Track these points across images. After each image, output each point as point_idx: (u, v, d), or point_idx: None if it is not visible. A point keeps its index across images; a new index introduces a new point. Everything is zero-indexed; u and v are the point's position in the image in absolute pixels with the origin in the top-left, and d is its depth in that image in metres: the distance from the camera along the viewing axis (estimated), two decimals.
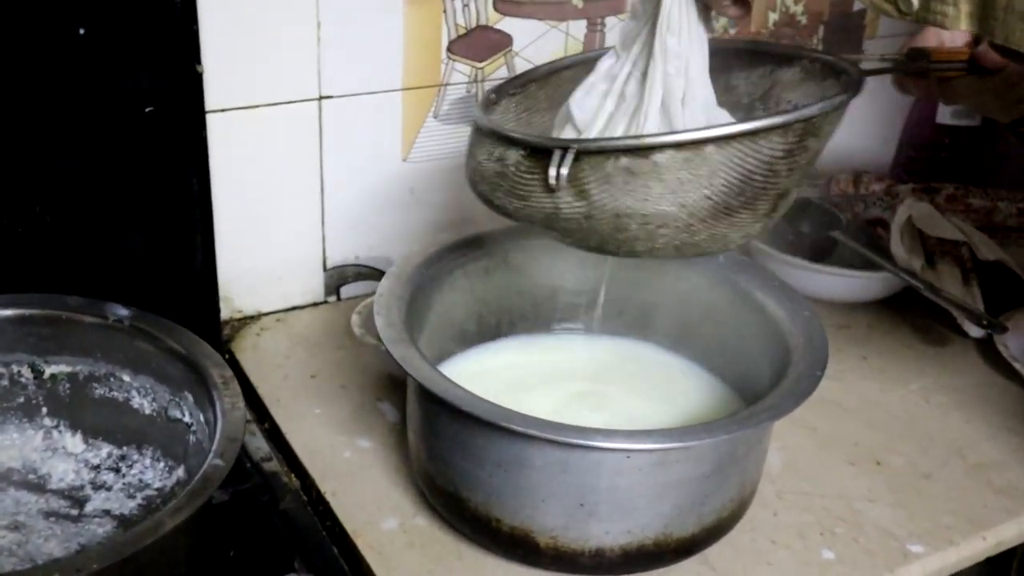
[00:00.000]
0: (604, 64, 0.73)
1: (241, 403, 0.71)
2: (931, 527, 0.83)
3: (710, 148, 0.65)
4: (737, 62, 0.81)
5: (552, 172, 0.66)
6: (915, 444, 0.92)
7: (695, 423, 0.81)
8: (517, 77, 0.83)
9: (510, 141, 0.70)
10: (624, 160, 0.65)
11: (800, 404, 0.71)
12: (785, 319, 0.81)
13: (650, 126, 0.70)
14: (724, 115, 0.74)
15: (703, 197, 0.66)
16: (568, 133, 0.74)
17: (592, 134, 0.72)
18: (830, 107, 0.68)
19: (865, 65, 0.77)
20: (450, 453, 0.73)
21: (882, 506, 0.85)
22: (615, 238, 0.69)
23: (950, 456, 0.91)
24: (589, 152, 0.66)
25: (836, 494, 0.86)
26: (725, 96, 0.79)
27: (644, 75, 0.70)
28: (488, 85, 1.05)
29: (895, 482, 0.88)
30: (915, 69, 0.82)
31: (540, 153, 0.68)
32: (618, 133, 0.71)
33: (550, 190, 0.67)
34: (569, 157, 0.66)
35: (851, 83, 0.72)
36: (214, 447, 0.66)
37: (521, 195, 0.70)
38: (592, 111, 0.73)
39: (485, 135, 0.72)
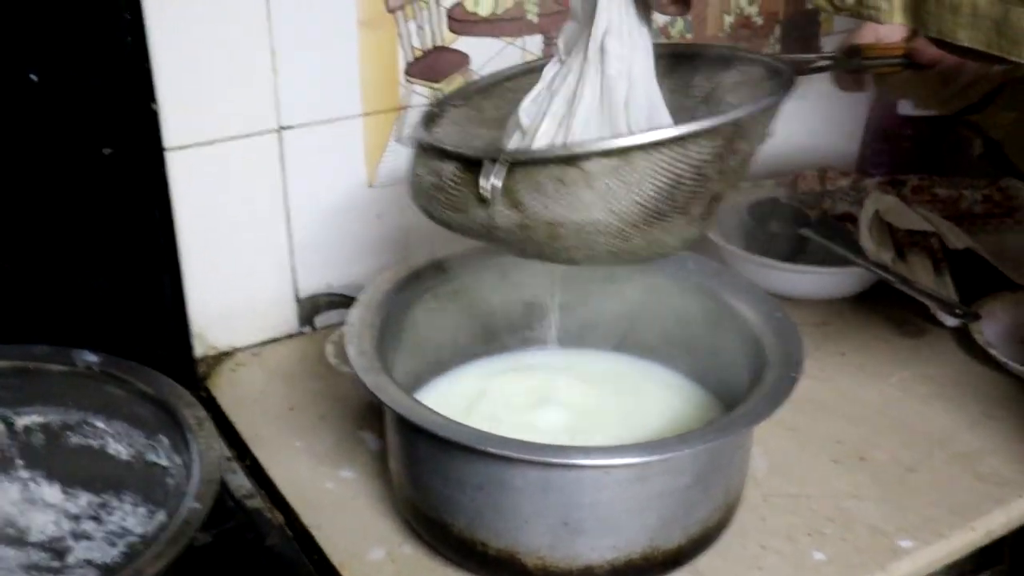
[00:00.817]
0: (549, 71, 0.73)
1: (216, 443, 0.70)
2: (919, 521, 0.83)
3: (638, 155, 0.65)
4: (680, 65, 0.81)
5: (482, 183, 0.66)
6: (898, 438, 0.92)
7: (673, 435, 0.81)
8: (460, 89, 0.83)
9: (443, 154, 0.70)
10: (554, 169, 0.66)
11: (776, 408, 0.71)
12: (758, 322, 0.81)
13: (583, 129, 0.70)
14: (666, 116, 0.74)
15: (634, 203, 0.66)
16: (516, 140, 0.74)
17: (538, 140, 0.72)
18: (757, 109, 0.69)
19: (802, 66, 0.77)
20: (431, 479, 0.73)
21: (869, 503, 0.85)
22: (551, 247, 0.69)
23: (933, 447, 0.91)
24: (519, 163, 0.66)
25: (822, 493, 0.86)
26: (670, 99, 0.79)
27: (580, 78, 0.70)
28: None
29: (880, 477, 0.87)
30: (851, 67, 0.83)
31: (472, 165, 0.68)
32: (552, 135, 0.71)
33: (483, 202, 0.67)
34: (500, 168, 0.66)
35: (783, 83, 0.72)
36: (191, 490, 0.66)
37: (458, 207, 0.70)
38: (539, 117, 0.73)
39: (422, 149, 0.73)
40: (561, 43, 0.73)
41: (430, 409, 0.70)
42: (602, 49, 0.69)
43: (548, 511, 0.69)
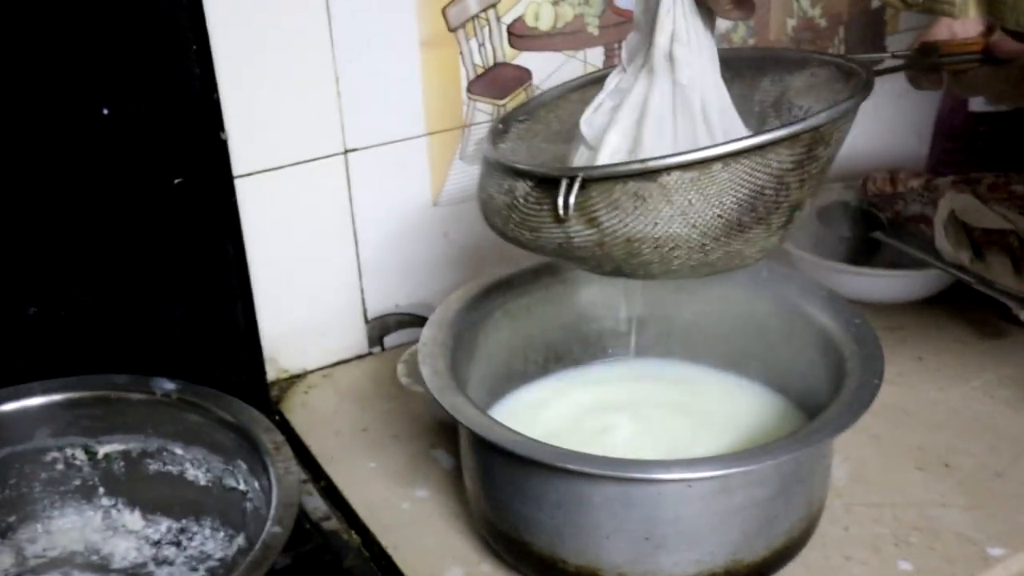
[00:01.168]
0: (612, 81, 0.73)
1: (295, 467, 0.70)
2: (1009, 528, 0.80)
3: (717, 166, 0.64)
4: (746, 71, 0.80)
5: (560, 202, 0.65)
6: (983, 443, 0.90)
7: (755, 446, 0.80)
8: (524, 104, 0.83)
9: (516, 173, 0.69)
10: (631, 184, 0.65)
11: (860, 416, 0.70)
12: (836, 328, 0.80)
13: (655, 141, 0.69)
14: (740, 124, 0.73)
15: (714, 216, 0.65)
16: (582, 153, 0.74)
17: (605, 152, 0.71)
18: (837, 114, 0.67)
19: (878, 66, 0.75)
20: (508, 497, 0.72)
21: (956, 510, 0.83)
22: (629, 263, 0.68)
23: (1021, 452, 0.88)
24: (595, 179, 0.65)
25: (907, 502, 0.84)
26: (736, 105, 0.79)
27: (647, 89, 0.69)
28: None
29: (967, 484, 0.85)
30: (927, 65, 0.81)
31: (547, 183, 0.67)
32: (619, 148, 0.71)
33: (559, 220, 0.66)
34: (575, 186, 0.65)
35: (859, 86, 0.70)
36: (271, 514, 0.66)
37: (532, 226, 0.69)
38: (601, 128, 0.73)
39: (493, 167, 0.72)
40: (624, 53, 0.72)
41: (506, 427, 0.70)
42: (670, 57, 0.68)
43: (629, 527, 0.68)
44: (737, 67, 0.78)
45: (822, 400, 0.77)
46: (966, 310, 1.07)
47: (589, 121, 0.74)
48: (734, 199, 0.65)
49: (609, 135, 0.71)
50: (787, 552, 0.74)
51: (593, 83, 0.81)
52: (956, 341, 1.04)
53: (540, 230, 0.69)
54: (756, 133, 0.66)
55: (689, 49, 0.68)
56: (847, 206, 1.16)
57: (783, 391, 0.87)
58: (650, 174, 0.64)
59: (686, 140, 0.69)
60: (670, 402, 0.88)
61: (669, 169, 0.64)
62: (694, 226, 0.65)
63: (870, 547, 0.79)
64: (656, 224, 0.65)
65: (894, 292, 1.09)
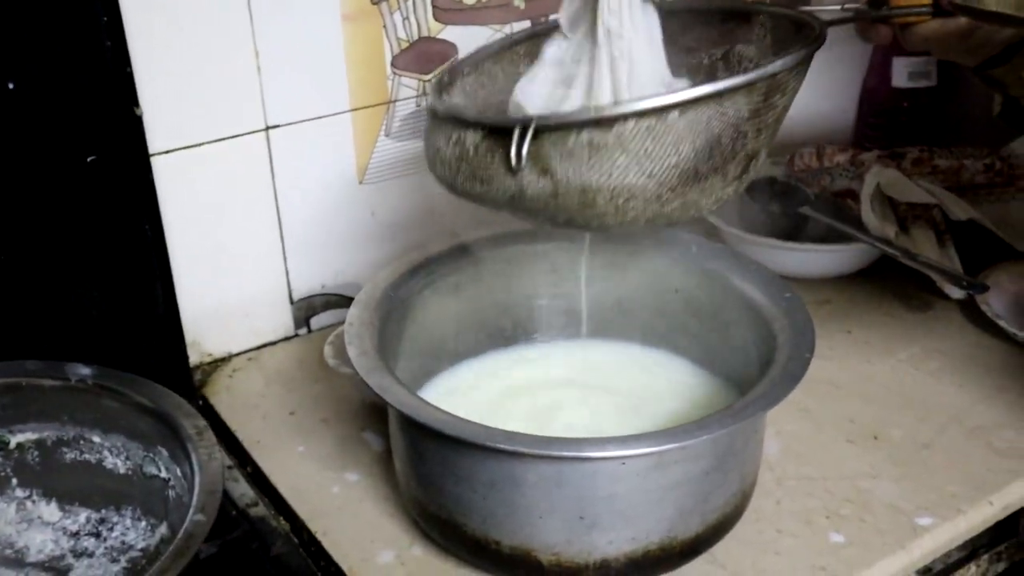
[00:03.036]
0: (550, 50, 0.71)
1: (217, 453, 0.68)
2: (937, 498, 0.81)
3: (674, 114, 0.63)
4: (694, 23, 0.79)
5: (512, 151, 0.64)
6: (911, 414, 0.91)
7: (688, 421, 0.80)
8: (469, 56, 0.80)
9: (467, 123, 0.68)
10: (586, 134, 0.63)
11: (792, 389, 0.69)
12: (766, 303, 0.79)
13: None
14: (683, 85, 0.72)
15: (670, 166, 0.64)
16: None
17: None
18: (794, 61, 0.67)
19: (826, 17, 0.75)
20: (440, 479, 0.71)
21: (886, 481, 0.83)
22: (583, 214, 0.66)
23: (947, 423, 0.89)
24: (549, 128, 0.64)
25: (838, 474, 0.84)
26: (685, 58, 0.78)
27: (592, 59, 0.68)
28: None
29: (896, 455, 0.86)
30: (876, 17, 0.80)
31: (499, 133, 0.65)
32: None
33: (511, 170, 0.65)
34: (528, 134, 0.63)
35: (813, 35, 0.70)
36: (194, 502, 0.64)
37: (483, 178, 0.67)
38: (541, 99, 0.71)
39: (441, 119, 0.70)
40: (563, 21, 0.71)
41: (437, 408, 0.68)
42: (608, 32, 0.67)
43: (563, 506, 0.67)
44: (684, 20, 0.77)
45: (754, 376, 0.77)
46: (893, 284, 1.08)
47: (524, 90, 0.72)
48: (691, 148, 0.64)
49: (548, 105, 0.70)
50: (721, 527, 0.73)
51: (537, 36, 0.79)
52: (883, 314, 1.05)
53: (492, 182, 0.67)
54: (713, 80, 0.64)
55: (619, 20, 0.67)
56: (775, 181, 1.16)
57: (714, 367, 0.87)
58: (605, 122, 0.63)
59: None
60: (600, 381, 0.87)
61: (625, 117, 0.63)
62: (650, 176, 0.64)
63: (802, 520, 0.79)
64: (611, 174, 0.64)
65: (822, 267, 1.09)
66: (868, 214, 1.04)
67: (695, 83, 0.67)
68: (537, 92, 0.71)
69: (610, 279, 0.88)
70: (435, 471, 0.71)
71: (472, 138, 0.67)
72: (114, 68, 0.84)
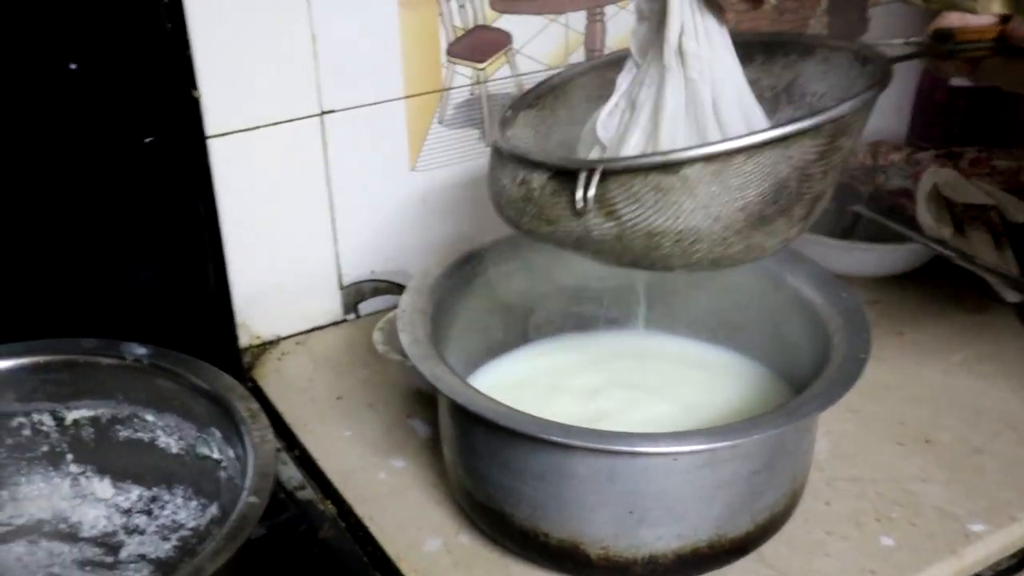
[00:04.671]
0: (624, 80, 0.71)
1: (270, 435, 0.68)
2: (990, 504, 0.80)
3: (739, 158, 0.63)
4: (757, 55, 0.78)
5: (579, 194, 0.64)
6: (963, 418, 0.89)
7: (741, 419, 0.79)
8: (531, 90, 0.81)
9: (533, 164, 0.67)
10: (652, 177, 0.63)
11: (847, 390, 0.69)
12: (821, 301, 0.79)
13: (670, 140, 0.68)
14: (761, 116, 0.71)
15: (736, 209, 0.64)
16: (595, 155, 0.72)
17: (621, 153, 0.69)
18: (860, 104, 0.66)
19: (891, 52, 0.74)
20: (489, 469, 0.71)
21: (937, 486, 0.82)
22: (649, 256, 0.67)
23: (1001, 428, 0.88)
24: (615, 171, 0.64)
25: (888, 477, 0.83)
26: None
27: (660, 84, 0.68)
28: (491, 86, 1.03)
29: (947, 459, 0.85)
30: (941, 52, 0.79)
31: (565, 175, 0.65)
32: (642, 148, 0.69)
33: (577, 213, 0.65)
34: (595, 178, 0.63)
35: (879, 73, 0.69)
36: (247, 484, 0.64)
37: (549, 219, 0.67)
38: (620, 129, 0.71)
39: (506, 158, 0.70)
40: (634, 47, 0.70)
41: (489, 397, 0.68)
42: (680, 52, 0.66)
43: (613, 500, 0.67)
44: (747, 51, 0.76)
45: (807, 374, 0.77)
46: (946, 285, 1.06)
47: (605, 124, 0.72)
48: (757, 192, 0.64)
49: (631, 137, 0.70)
50: (770, 527, 0.73)
51: (601, 67, 0.80)
52: (936, 316, 1.03)
53: (558, 223, 0.67)
54: (779, 124, 0.64)
55: (698, 43, 0.66)
56: None
57: (768, 364, 0.86)
58: (672, 166, 0.63)
59: (696, 137, 0.68)
60: (652, 374, 0.87)
61: (691, 161, 0.62)
62: (716, 219, 0.64)
63: (852, 522, 0.78)
64: (678, 218, 0.64)
65: (875, 266, 1.08)
66: (924, 214, 1.03)
67: (766, 118, 0.66)
68: (613, 124, 0.70)
69: (663, 273, 0.87)
70: (484, 461, 0.71)
71: (538, 179, 0.67)
72: (174, 51, 0.85)
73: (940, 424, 0.89)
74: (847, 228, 1.12)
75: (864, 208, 1.10)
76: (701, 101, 0.67)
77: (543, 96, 0.80)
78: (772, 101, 0.78)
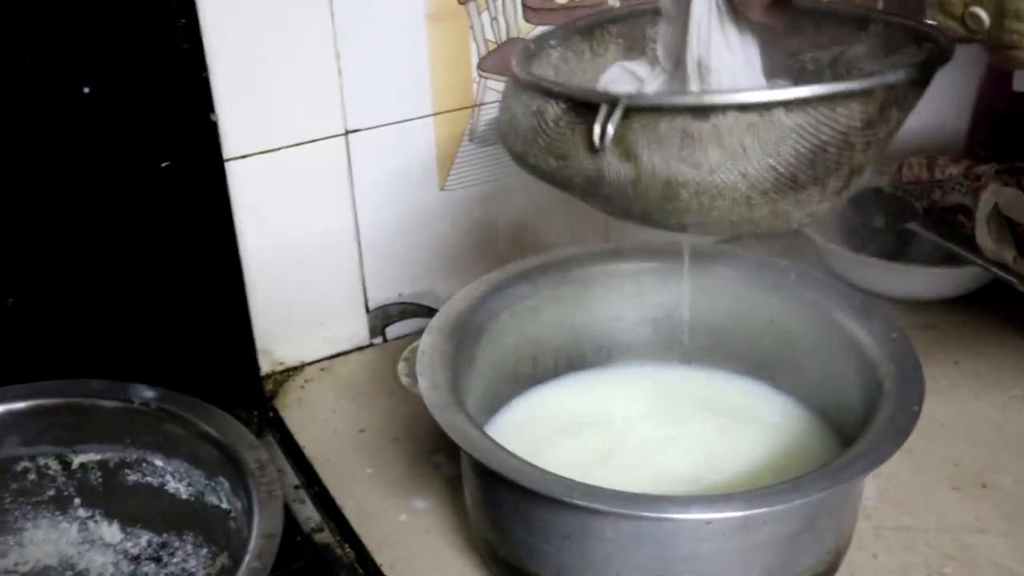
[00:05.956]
0: (650, 87, 0.66)
1: (279, 490, 0.65)
2: None
3: (779, 112, 0.57)
4: (804, 25, 0.73)
5: (597, 129, 0.59)
6: (1023, 460, 0.84)
7: (777, 462, 0.75)
8: (558, 28, 0.75)
9: (550, 93, 0.62)
10: (680, 121, 0.58)
11: (898, 448, 0.64)
12: (871, 343, 0.73)
13: None
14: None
15: (768, 167, 0.58)
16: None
17: None
18: (919, 74, 0.60)
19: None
20: (512, 525, 0.67)
21: (994, 537, 0.77)
22: (663, 208, 0.61)
23: None
24: (640, 109, 0.59)
25: (941, 526, 0.78)
26: (788, 62, 0.72)
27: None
28: None
29: (1006, 507, 0.79)
30: (1002, 42, 0.73)
31: (584, 108, 0.60)
32: None
33: (593, 150, 0.60)
34: (617, 114, 0.58)
35: (939, 51, 0.63)
36: (251, 546, 0.61)
37: (560, 153, 0.62)
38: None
39: (523, 87, 0.65)
40: (660, 49, 0.66)
41: (510, 454, 0.64)
42: (699, 65, 0.62)
43: (641, 563, 0.63)
44: (795, 21, 0.70)
45: (853, 417, 0.72)
46: (1007, 310, 1.00)
47: (612, 79, 0.68)
48: (792, 151, 0.58)
49: None
50: None
51: (634, 16, 0.75)
52: (995, 344, 0.97)
53: (568, 159, 0.62)
54: (829, 83, 0.59)
55: (720, 57, 0.62)
56: (880, 193, 1.09)
57: (811, 403, 0.81)
58: (704, 111, 0.57)
59: None
60: (689, 411, 0.82)
61: (726, 108, 0.57)
62: (743, 175, 0.58)
63: None
64: (701, 167, 0.58)
65: (929, 289, 1.03)
66: (984, 236, 0.97)
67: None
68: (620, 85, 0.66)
69: (701, 305, 0.83)
70: (506, 516, 0.67)
71: (554, 110, 0.62)
72: (190, 73, 0.81)
73: (998, 465, 0.83)
74: (900, 246, 1.06)
75: (918, 226, 1.04)
76: None
77: (569, 37, 0.75)
78: (814, 76, 0.73)
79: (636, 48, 0.74)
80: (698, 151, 0.58)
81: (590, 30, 0.76)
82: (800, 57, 0.73)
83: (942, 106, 1.23)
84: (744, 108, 0.57)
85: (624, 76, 0.71)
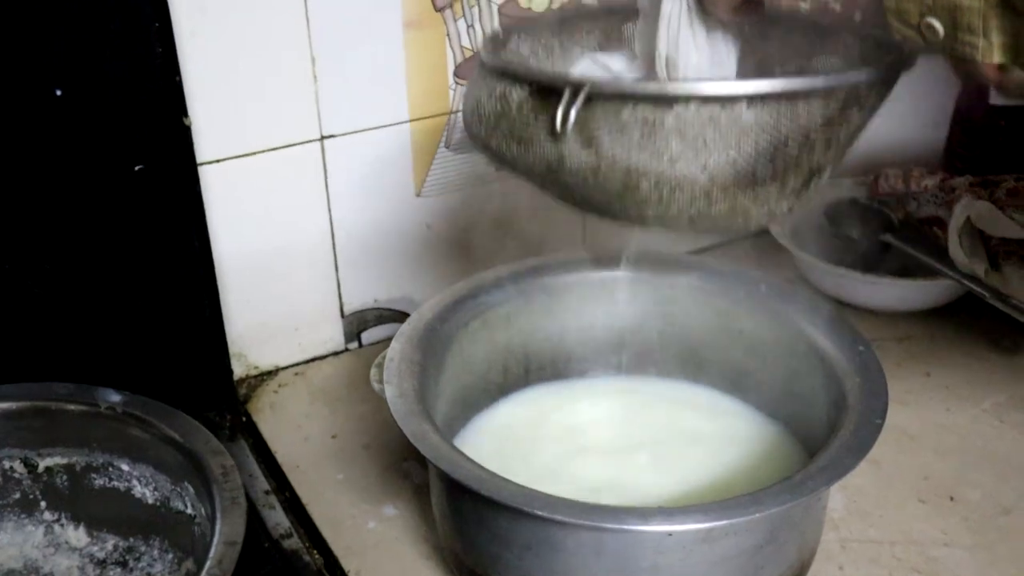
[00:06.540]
0: (616, 65, 0.66)
1: (242, 497, 0.65)
2: (1018, 572, 0.75)
3: (742, 105, 0.57)
4: (772, 33, 0.73)
5: (559, 113, 0.58)
6: (992, 473, 0.84)
7: (740, 473, 0.75)
8: (528, 19, 0.76)
9: (515, 77, 0.62)
10: (643, 109, 0.58)
11: (859, 462, 0.64)
12: (838, 356, 0.74)
13: None
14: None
15: (728, 161, 0.58)
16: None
17: None
18: (879, 76, 0.60)
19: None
20: (476, 534, 0.67)
21: (960, 550, 0.77)
22: (623, 198, 0.61)
23: None
24: (603, 95, 0.59)
25: (907, 539, 0.78)
26: (758, 68, 0.72)
27: None
28: None
29: (973, 521, 0.80)
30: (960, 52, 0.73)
31: (547, 93, 0.60)
32: None
33: (554, 135, 0.59)
34: (579, 99, 0.58)
35: (901, 56, 0.63)
36: (212, 553, 0.61)
37: (522, 139, 0.62)
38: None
39: (487, 71, 0.65)
40: (637, 47, 0.66)
41: (472, 462, 0.64)
42: (667, 62, 0.62)
43: (603, 575, 0.63)
44: (765, 29, 0.71)
45: (820, 430, 0.72)
46: (979, 322, 1.00)
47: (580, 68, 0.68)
48: (752, 146, 0.58)
49: None
50: None
51: (610, 14, 0.75)
52: (967, 356, 0.98)
53: (530, 145, 0.62)
54: (790, 78, 0.59)
55: (688, 56, 0.62)
56: (856, 204, 1.10)
57: (779, 415, 0.81)
58: (666, 100, 0.57)
59: None
60: (657, 422, 0.82)
61: (688, 99, 0.57)
62: (704, 167, 0.58)
63: None
64: (662, 158, 0.58)
65: (902, 300, 1.03)
66: (956, 249, 0.97)
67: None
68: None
69: (670, 315, 0.83)
70: (470, 525, 0.67)
71: (518, 94, 0.62)
72: (163, 76, 0.81)
73: (967, 479, 0.84)
74: (875, 257, 1.07)
75: (893, 238, 1.05)
76: None
77: (539, 30, 0.74)
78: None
79: (608, 45, 0.74)
80: (659, 141, 0.58)
81: (561, 24, 0.75)
82: (770, 63, 0.74)
83: (920, 118, 1.23)
84: (706, 100, 0.57)
85: (594, 69, 0.70)
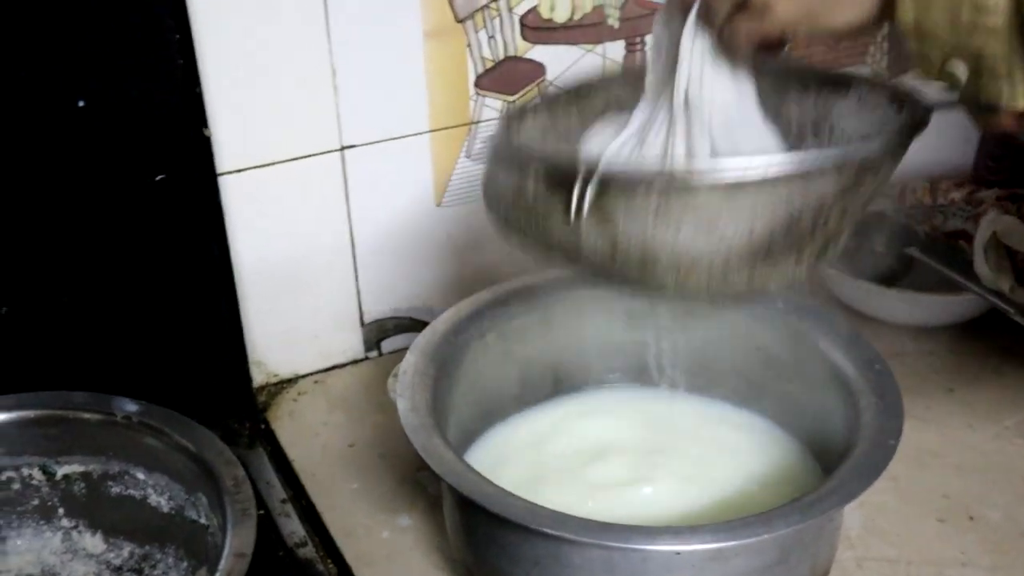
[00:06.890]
0: (638, 117, 0.66)
1: (252, 509, 0.65)
2: None
3: (754, 186, 0.57)
4: (788, 85, 0.73)
5: (574, 199, 0.59)
6: (1013, 493, 0.83)
7: (754, 488, 0.74)
8: (543, 95, 0.76)
9: (531, 159, 0.63)
10: (656, 190, 0.58)
11: (873, 482, 0.64)
12: (855, 374, 0.73)
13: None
14: (772, 136, 0.66)
15: (743, 237, 0.58)
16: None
17: None
18: (891, 145, 0.60)
19: (933, 97, 0.67)
20: (485, 548, 0.67)
21: (978, 571, 0.76)
22: (640, 276, 0.61)
23: None
24: (616, 179, 0.59)
25: (925, 559, 0.77)
26: (773, 121, 0.72)
27: (669, 129, 0.63)
28: None
29: (992, 541, 0.79)
30: (983, 106, 0.72)
31: (562, 175, 0.60)
32: None
33: (571, 217, 0.59)
34: (592, 184, 0.58)
35: (917, 117, 0.63)
36: (222, 564, 0.61)
37: (539, 221, 0.62)
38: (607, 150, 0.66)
39: (504, 151, 0.66)
40: (648, 86, 0.65)
41: (481, 477, 0.64)
42: (687, 100, 0.62)
43: None
44: (779, 81, 0.70)
45: (836, 448, 0.71)
46: (1004, 339, 0.99)
47: (593, 141, 0.68)
48: (766, 224, 0.58)
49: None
50: None
51: (620, 82, 0.74)
52: (992, 373, 0.96)
53: (548, 225, 0.62)
54: (801, 154, 0.59)
55: (710, 89, 0.62)
56: (882, 217, 1.08)
57: (796, 432, 0.81)
58: (679, 182, 0.58)
59: None
60: (675, 436, 0.82)
61: (701, 181, 0.57)
62: (718, 248, 0.59)
63: None
64: (678, 237, 0.59)
65: (926, 315, 1.02)
66: (981, 264, 0.96)
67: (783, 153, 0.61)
68: (604, 144, 0.65)
69: (688, 330, 0.83)
70: (481, 540, 0.67)
71: (534, 176, 0.62)
72: (184, 88, 0.82)
73: (987, 499, 0.82)
74: (899, 271, 1.05)
75: (919, 251, 1.03)
76: (698, 153, 0.62)
77: (554, 102, 0.74)
78: (798, 137, 0.72)
79: (626, 111, 0.73)
80: (672, 223, 0.58)
81: (574, 95, 0.75)
82: (785, 117, 0.73)
83: (949, 130, 1.21)
84: (718, 183, 0.57)
85: (609, 138, 0.69)
